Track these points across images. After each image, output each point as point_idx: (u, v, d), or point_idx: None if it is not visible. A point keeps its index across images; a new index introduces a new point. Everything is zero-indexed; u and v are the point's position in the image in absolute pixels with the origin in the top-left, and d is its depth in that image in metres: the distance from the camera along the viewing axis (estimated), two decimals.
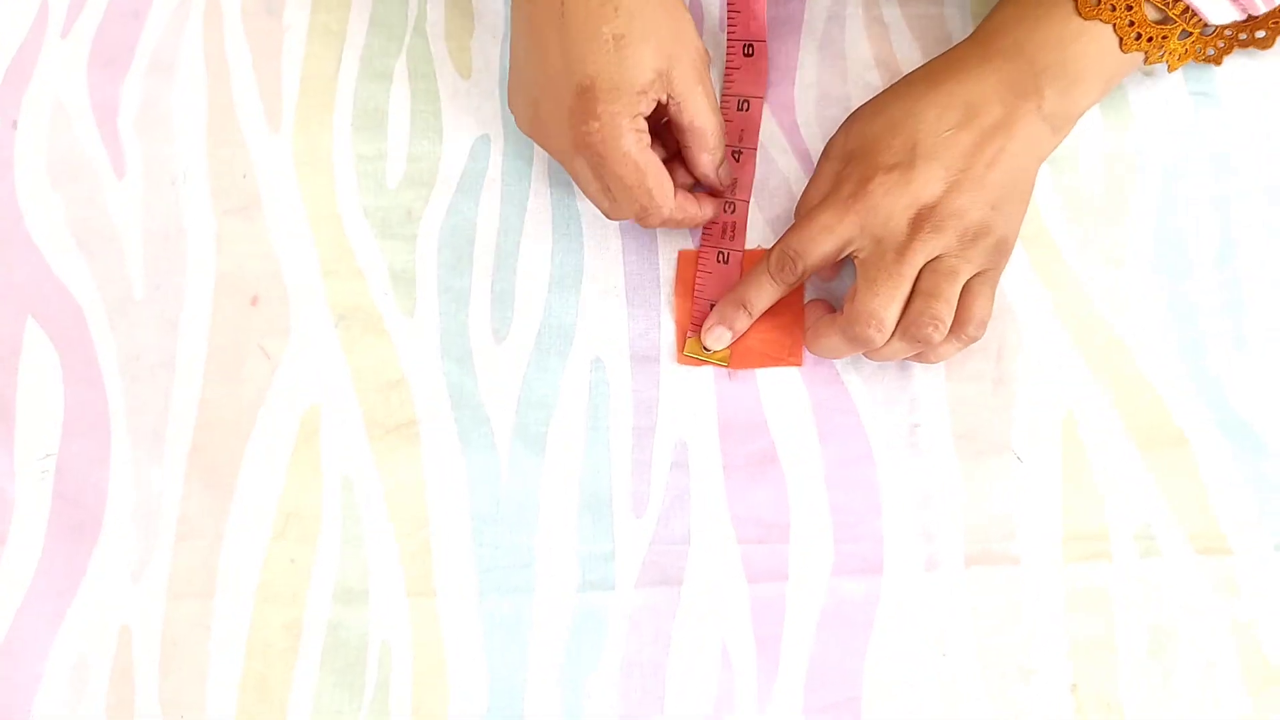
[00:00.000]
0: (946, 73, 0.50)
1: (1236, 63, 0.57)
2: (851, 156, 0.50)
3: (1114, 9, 0.49)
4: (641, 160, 0.46)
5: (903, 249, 0.47)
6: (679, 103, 0.47)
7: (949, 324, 0.47)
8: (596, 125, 0.45)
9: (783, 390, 0.52)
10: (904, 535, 0.50)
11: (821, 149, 0.56)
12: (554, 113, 0.47)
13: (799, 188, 0.56)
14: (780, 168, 0.56)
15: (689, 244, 0.55)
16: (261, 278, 0.55)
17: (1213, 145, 0.55)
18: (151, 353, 0.53)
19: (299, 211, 0.56)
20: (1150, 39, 0.49)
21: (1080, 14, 0.49)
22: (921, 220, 0.47)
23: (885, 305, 0.47)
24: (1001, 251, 0.48)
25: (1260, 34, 0.55)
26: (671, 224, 0.50)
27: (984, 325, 0.48)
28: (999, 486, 0.51)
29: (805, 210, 0.51)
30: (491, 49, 0.59)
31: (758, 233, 0.55)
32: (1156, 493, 0.51)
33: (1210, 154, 0.56)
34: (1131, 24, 0.48)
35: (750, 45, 0.56)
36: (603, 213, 0.50)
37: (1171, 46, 0.51)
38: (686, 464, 0.51)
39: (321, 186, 0.56)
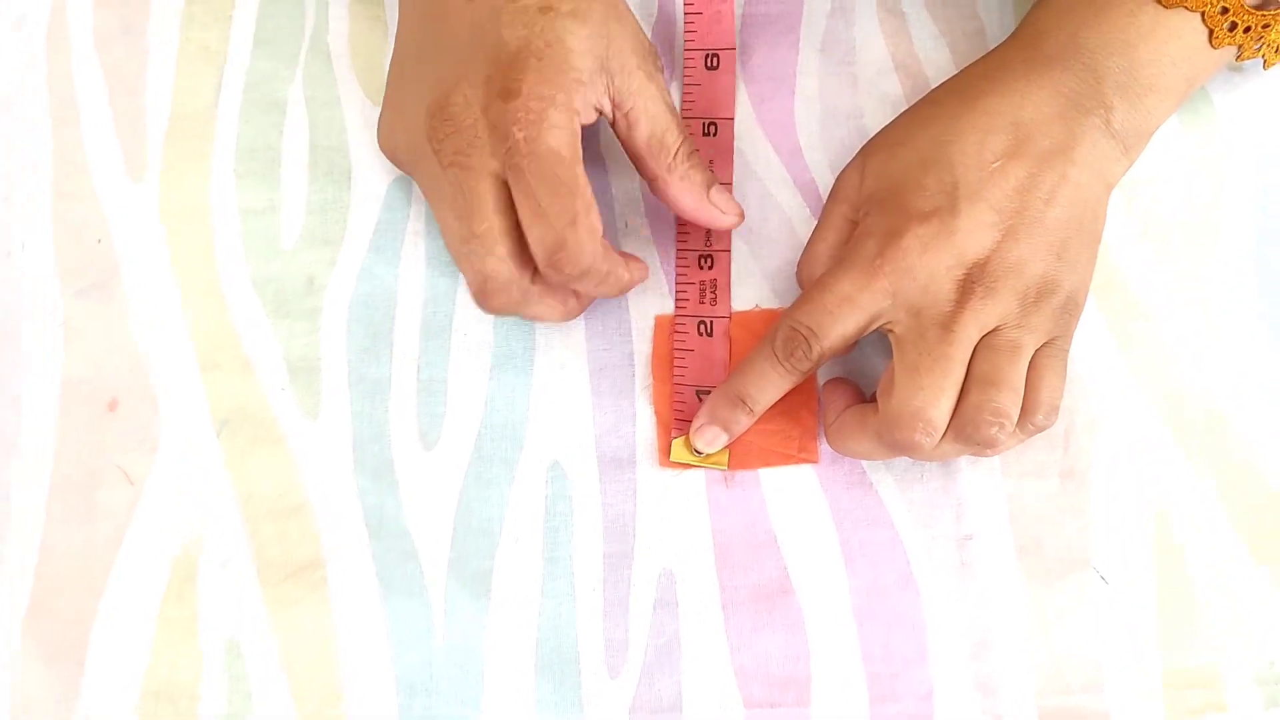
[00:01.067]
0: (985, 85, 0.40)
1: None
2: (872, 202, 0.40)
3: None
4: (571, 167, 0.36)
5: (949, 323, 0.37)
6: (627, 112, 0.38)
7: (1015, 419, 0.37)
8: (520, 104, 0.35)
9: (794, 497, 0.42)
10: (958, 688, 0.40)
11: (828, 180, 0.45)
12: (469, 89, 0.36)
13: (806, 230, 0.44)
14: (781, 204, 0.45)
15: (669, 308, 0.44)
16: (121, 376, 0.43)
17: None
18: None
19: (169, 285, 0.44)
20: (1248, 29, 0.39)
21: (1161, 1, 0.38)
22: (971, 283, 0.37)
23: (932, 401, 0.36)
24: (1071, 312, 0.38)
25: None
26: (591, 278, 0.38)
27: (1055, 412, 0.38)
28: (1078, 617, 0.40)
29: (810, 270, 0.42)
30: None
31: (754, 290, 0.44)
32: None
33: None
34: (1225, 10, 0.39)
35: (714, 56, 0.43)
36: (473, 278, 0.38)
37: (1273, 38, 0.40)
38: (674, 602, 0.41)
39: (197, 251, 0.44)
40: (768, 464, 0.42)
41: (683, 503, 0.42)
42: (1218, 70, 0.41)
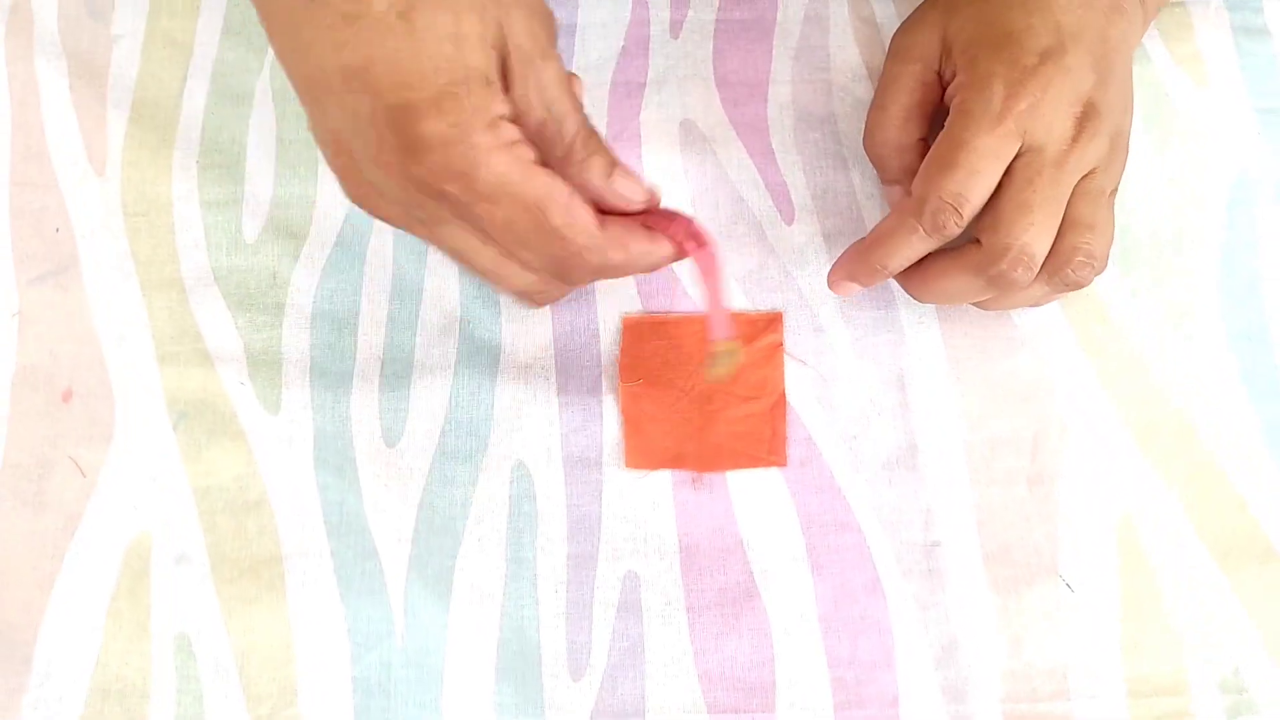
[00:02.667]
0: None
1: None
2: (974, 50, 0.39)
3: None
4: (527, 185, 0.31)
5: (1062, 160, 0.37)
6: (522, 93, 0.32)
7: (1105, 264, 0.38)
8: (437, 160, 0.30)
9: (762, 501, 0.41)
10: (924, 695, 0.39)
11: (800, 182, 0.45)
12: (368, 160, 0.31)
13: (774, 232, 0.44)
14: (752, 208, 0.45)
15: (637, 306, 0.43)
16: (77, 366, 0.42)
17: None
18: None
19: (128, 276, 0.43)
20: None
21: None
22: (1085, 120, 0.37)
23: (1039, 237, 0.36)
24: (1125, 161, 0.40)
25: None
26: (616, 271, 0.35)
27: (1108, 255, 0.38)
28: (1043, 624, 0.40)
29: (883, 134, 0.41)
30: None
31: (739, 288, 0.43)
32: (1246, 626, 0.40)
33: (1276, 182, 0.45)
34: None
35: None
36: (513, 296, 0.37)
37: None
38: (639, 605, 0.40)
39: (158, 242, 0.43)
40: (737, 466, 0.41)
41: (649, 505, 0.41)
42: None
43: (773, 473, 0.41)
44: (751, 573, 0.40)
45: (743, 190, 0.45)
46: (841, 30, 0.47)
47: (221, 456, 0.41)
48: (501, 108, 0.31)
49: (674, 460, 0.41)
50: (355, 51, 0.30)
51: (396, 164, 0.31)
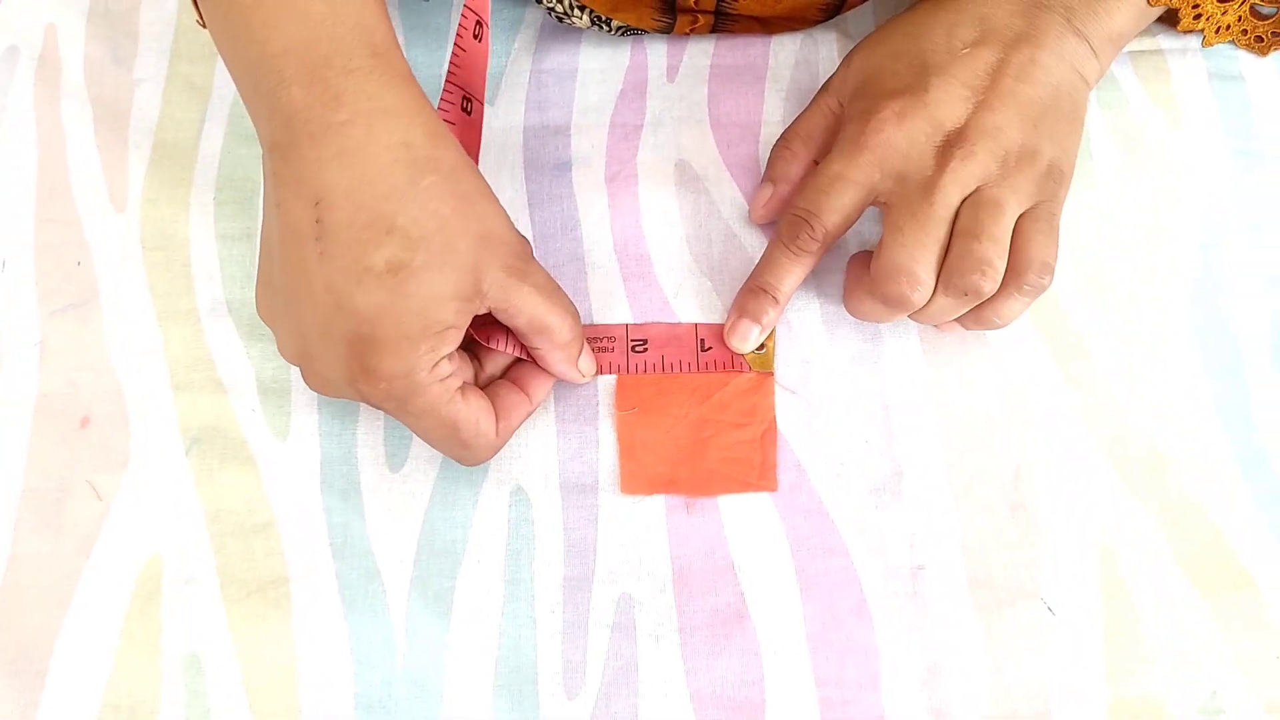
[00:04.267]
0: None
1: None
2: (853, 93, 0.42)
3: None
4: (447, 413, 0.37)
5: (930, 185, 0.38)
6: (504, 311, 0.38)
7: (1000, 269, 0.38)
8: (383, 387, 0.35)
9: (753, 525, 0.42)
10: (909, 714, 0.39)
11: None
12: (327, 363, 0.36)
13: None
14: (744, 243, 0.46)
15: None
16: (95, 394, 0.43)
17: (1254, 211, 0.47)
18: None
19: (145, 308, 0.44)
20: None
21: None
22: (950, 147, 0.38)
23: (916, 255, 0.38)
24: (1055, 180, 0.39)
25: None
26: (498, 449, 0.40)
27: (1048, 270, 0.38)
28: (1026, 647, 0.40)
29: (782, 142, 0.45)
30: None
31: (719, 316, 0.44)
32: (1222, 649, 0.40)
33: (1249, 221, 0.46)
34: None
35: (469, 101, 0.43)
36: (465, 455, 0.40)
37: (1209, 9, 0.43)
38: (633, 625, 0.40)
39: (174, 276, 0.45)
40: (728, 491, 0.42)
41: (643, 529, 0.42)
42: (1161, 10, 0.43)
43: (763, 498, 0.42)
44: (742, 595, 0.41)
45: (735, 227, 0.46)
46: (829, 72, 0.49)
47: (232, 481, 0.42)
48: (446, 348, 0.36)
49: (667, 485, 0.42)
50: (343, 290, 0.35)
51: (348, 377, 0.36)
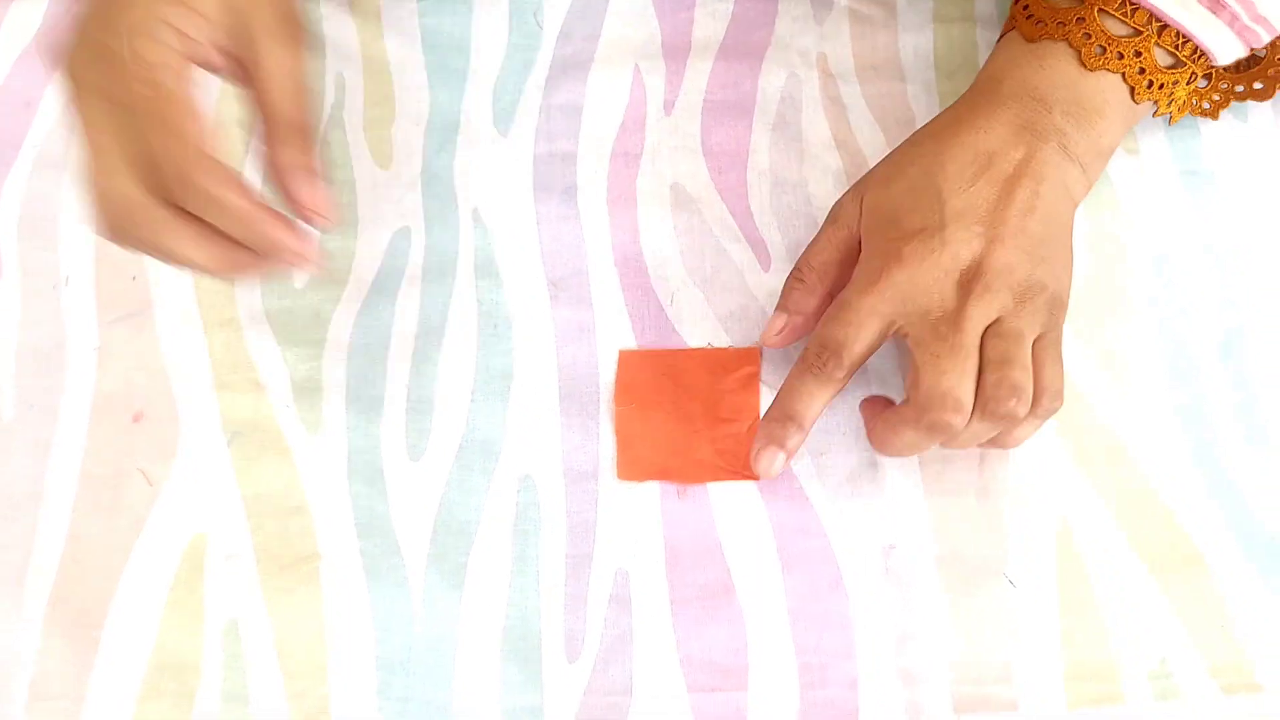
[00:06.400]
0: (956, 126, 0.44)
1: (1227, 138, 0.52)
2: (871, 228, 0.43)
3: (1121, 57, 0.43)
4: (173, 85, 0.34)
5: (957, 317, 0.40)
6: (253, 61, 0.37)
7: (1030, 394, 0.40)
8: (126, 18, 0.34)
9: (738, 510, 0.45)
10: (882, 679, 0.42)
11: (776, 238, 0.50)
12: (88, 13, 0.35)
13: (753, 279, 0.49)
14: (733, 258, 0.50)
15: (632, 342, 0.48)
16: (147, 392, 0.47)
17: (1205, 228, 0.50)
18: (19, 483, 0.46)
19: (193, 316, 0.48)
20: (1162, 85, 0.44)
21: (1085, 66, 0.43)
22: (969, 282, 0.40)
23: (958, 382, 0.39)
24: (1057, 309, 0.42)
25: (1258, 85, 0.49)
26: (234, 219, 0.37)
27: (1060, 395, 0.41)
28: (989, 617, 0.43)
29: (799, 274, 0.45)
30: (414, 137, 0.53)
31: (708, 330, 0.48)
32: (1171, 621, 0.43)
33: (1201, 238, 0.50)
34: (1142, 71, 0.43)
35: None
36: (97, 205, 0.37)
37: (1178, 94, 0.46)
38: (628, 598, 0.43)
39: (219, 288, 0.49)
40: (716, 479, 0.46)
41: (638, 512, 0.45)
42: (1147, 113, 0.46)
43: (748, 485, 0.45)
44: (729, 571, 0.44)
45: (725, 244, 0.50)
46: (813, 108, 0.53)
47: (269, 469, 0.46)
48: (192, 30, 0.35)
49: (661, 473, 0.46)
50: None
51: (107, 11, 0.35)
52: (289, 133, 0.38)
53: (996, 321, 0.40)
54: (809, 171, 0.52)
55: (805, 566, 0.44)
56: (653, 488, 0.45)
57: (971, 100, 0.45)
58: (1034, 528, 0.44)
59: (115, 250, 0.47)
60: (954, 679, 0.42)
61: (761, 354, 0.47)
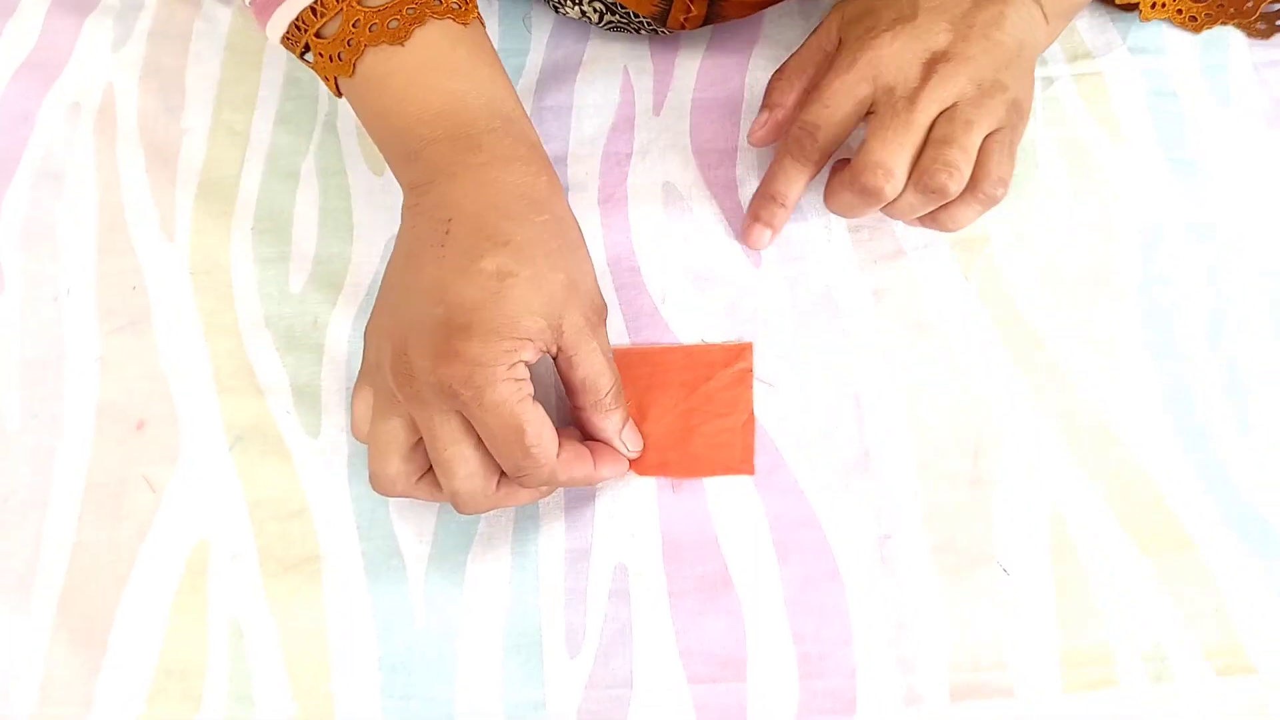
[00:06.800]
0: None
1: (1212, 124, 0.52)
2: (848, 29, 0.46)
3: None
4: (519, 410, 0.38)
5: (914, 95, 0.42)
6: (569, 357, 0.41)
7: (965, 175, 0.42)
8: (464, 370, 0.38)
9: (734, 503, 0.45)
10: (879, 667, 0.42)
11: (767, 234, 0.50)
12: (419, 347, 0.39)
13: (744, 275, 0.49)
14: (726, 256, 0.50)
15: (626, 340, 0.49)
16: (149, 400, 0.48)
17: (1191, 212, 0.50)
18: (23, 491, 0.46)
19: (193, 325, 0.49)
20: None
21: None
22: (934, 64, 0.43)
23: (895, 154, 0.42)
24: (1017, 113, 0.44)
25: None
26: (555, 484, 0.42)
27: (1004, 184, 0.43)
28: (984, 604, 0.43)
29: (779, 75, 0.49)
30: None
31: (700, 326, 0.49)
32: (1165, 604, 0.43)
33: (1187, 222, 0.50)
34: None
35: None
36: (450, 492, 0.41)
37: None
38: (627, 591, 0.43)
39: (218, 296, 0.50)
40: (712, 473, 0.46)
41: (636, 507, 0.45)
42: None
43: (743, 479, 0.46)
44: (726, 564, 0.44)
45: (717, 240, 0.50)
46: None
47: (270, 473, 0.46)
48: (527, 357, 0.39)
49: (658, 469, 0.46)
50: (453, 283, 0.39)
51: (433, 359, 0.38)
52: (607, 402, 0.43)
53: (952, 106, 0.42)
54: None
55: (801, 557, 0.44)
56: (649, 482, 0.46)
57: None
58: (1026, 515, 0.45)
59: (115, 261, 0.49)
60: (950, 666, 0.42)
61: (753, 349, 0.47)
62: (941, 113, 0.42)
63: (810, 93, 0.46)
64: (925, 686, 0.42)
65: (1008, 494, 0.45)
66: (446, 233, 0.40)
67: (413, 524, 0.45)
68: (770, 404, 0.47)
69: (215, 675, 0.43)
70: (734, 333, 0.48)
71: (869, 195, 0.43)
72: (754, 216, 0.47)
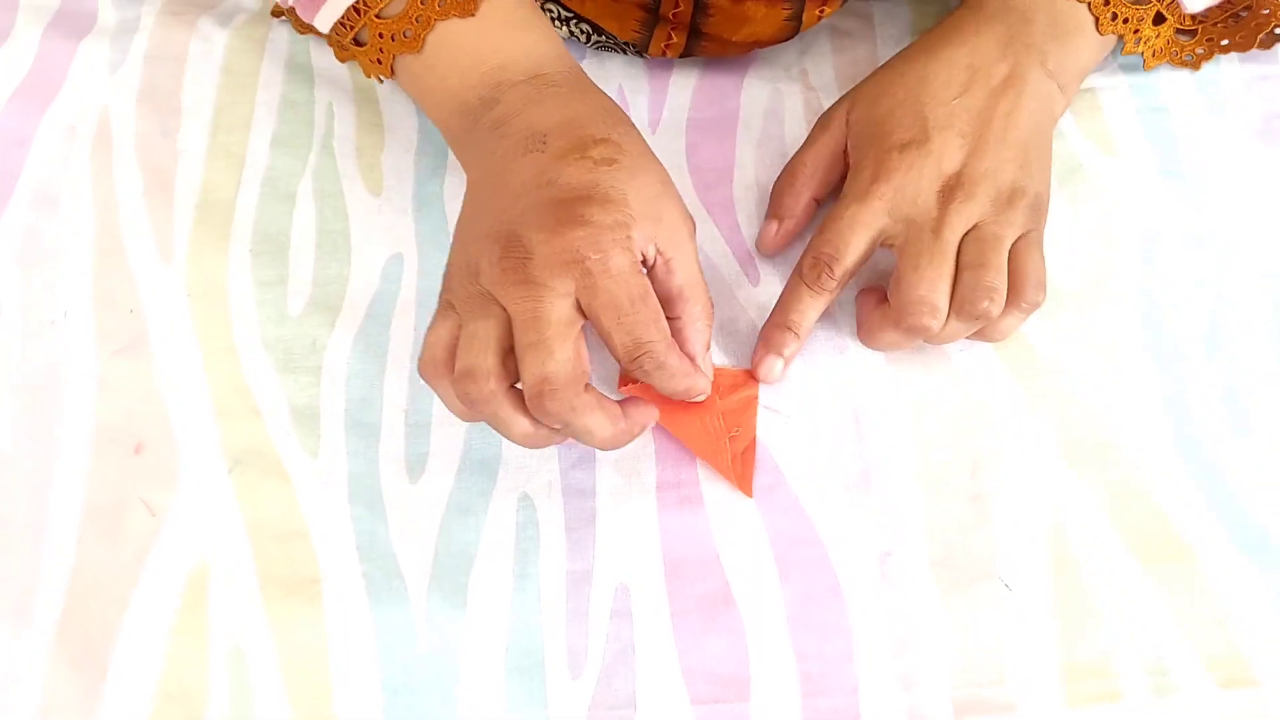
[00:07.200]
0: (943, 41, 0.47)
1: (1204, 138, 0.52)
2: (858, 141, 0.46)
3: None
4: (643, 279, 0.39)
5: (938, 225, 0.43)
6: (668, 260, 0.41)
7: (1004, 294, 0.42)
8: (590, 234, 0.38)
9: (735, 521, 0.45)
10: (881, 684, 0.42)
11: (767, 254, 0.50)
12: (535, 225, 0.38)
13: (742, 292, 0.50)
14: (723, 273, 0.50)
15: None
16: (147, 423, 0.47)
17: (1187, 221, 0.51)
18: (21, 514, 0.46)
19: (191, 347, 0.49)
20: (1126, 20, 0.47)
21: None
22: (950, 190, 0.43)
23: (933, 288, 0.42)
24: (1039, 210, 0.45)
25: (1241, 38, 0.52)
26: (665, 378, 0.41)
27: (1042, 287, 0.44)
28: (985, 620, 0.43)
29: (787, 178, 0.49)
30: (404, 163, 0.53)
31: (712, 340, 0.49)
32: (1166, 616, 0.43)
33: (1185, 228, 0.50)
34: (1107, 3, 0.46)
35: None
36: (548, 383, 0.38)
37: (1146, 33, 0.48)
38: (629, 611, 0.43)
39: (216, 318, 0.49)
40: (708, 461, 0.46)
41: (637, 528, 0.45)
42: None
43: (743, 498, 0.46)
44: (728, 582, 0.44)
45: (715, 259, 0.50)
46: (795, 123, 0.54)
47: (269, 495, 0.46)
48: (638, 235, 0.39)
49: (665, 417, 0.45)
50: (562, 170, 0.40)
51: (554, 229, 0.38)
52: (701, 312, 0.42)
53: (975, 227, 0.43)
54: None
55: (803, 575, 0.44)
56: (650, 503, 0.46)
57: (957, 19, 0.47)
58: (1027, 528, 0.45)
59: (112, 284, 0.48)
60: (953, 683, 0.42)
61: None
62: (967, 233, 0.43)
63: (825, 216, 0.45)
64: (928, 703, 0.42)
65: (1007, 507, 0.45)
66: (544, 139, 0.40)
67: (414, 544, 0.45)
68: (773, 423, 0.47)
69: (216, 699, 0.42)
70: (731, 349, 0.49)
71: (917, 333, 0.43)
72: (767, 347, 0.45)
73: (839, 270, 0.44)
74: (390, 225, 0.52)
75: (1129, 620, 0.43)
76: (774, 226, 0.48)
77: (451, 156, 0.53)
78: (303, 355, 0.49)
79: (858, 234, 0.43)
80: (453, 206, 0.52)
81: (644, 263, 0.40)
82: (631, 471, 0.46)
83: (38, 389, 0.48)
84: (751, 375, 0.47)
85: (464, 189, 0.50)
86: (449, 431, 0.47)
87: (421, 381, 0.46)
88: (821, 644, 0.43)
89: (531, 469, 0.46)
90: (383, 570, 0.44)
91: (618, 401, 0.41)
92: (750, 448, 0.46)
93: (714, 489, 0.46)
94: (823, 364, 0.48)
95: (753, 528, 0.45)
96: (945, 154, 0.43)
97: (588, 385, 0.39)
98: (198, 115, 0.54)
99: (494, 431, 0.46)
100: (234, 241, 0.51)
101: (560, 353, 0.38)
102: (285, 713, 0.42)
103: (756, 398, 0.47)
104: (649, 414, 0.42)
